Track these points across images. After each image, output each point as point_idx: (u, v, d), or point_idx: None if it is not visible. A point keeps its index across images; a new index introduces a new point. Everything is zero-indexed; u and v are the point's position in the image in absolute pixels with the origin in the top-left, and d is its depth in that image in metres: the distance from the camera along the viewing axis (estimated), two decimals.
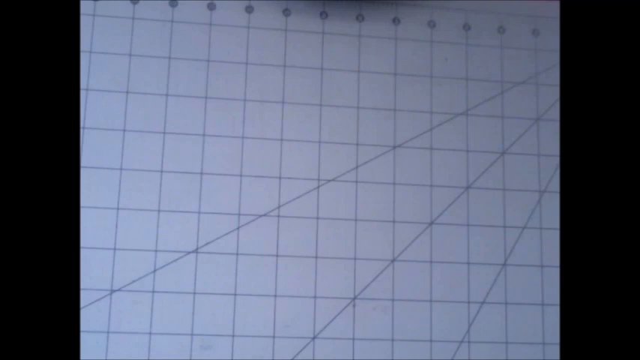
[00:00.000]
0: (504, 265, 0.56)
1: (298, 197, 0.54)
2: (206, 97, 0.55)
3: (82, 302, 0.51)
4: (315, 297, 0.53)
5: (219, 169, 0.54)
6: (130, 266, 0.52)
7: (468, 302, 0.55)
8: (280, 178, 0.55)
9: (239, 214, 0.53)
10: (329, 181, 0.55)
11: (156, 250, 0.52)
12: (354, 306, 0.53)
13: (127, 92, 0.54)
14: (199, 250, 0.53)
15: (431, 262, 0.55)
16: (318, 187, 0.55)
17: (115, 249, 0.52)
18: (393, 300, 0.54)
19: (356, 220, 0.55)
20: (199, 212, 0.53)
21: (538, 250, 0.56)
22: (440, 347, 0.54)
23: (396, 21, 0.58)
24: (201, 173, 0.54)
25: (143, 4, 0.56)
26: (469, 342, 0.54)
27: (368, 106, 0.57)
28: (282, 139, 0.55)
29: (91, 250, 0.52)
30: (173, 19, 0.56)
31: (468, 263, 0.55)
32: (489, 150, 0.57)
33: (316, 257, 0.54)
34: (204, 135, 0.54)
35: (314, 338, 0.53)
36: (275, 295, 0.53)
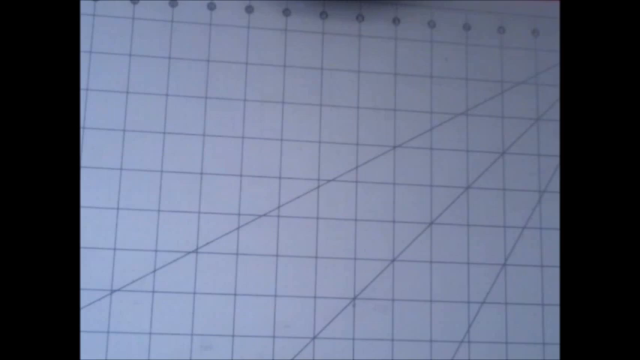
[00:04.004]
0: (504, 265, 0.56)
1: (298, 197, 0.54)
2: (206, 97, 0.55)
3: (82, 302, 0.51)
4: (315, 297, 0.53)
5: (219, 169, 0.54)
6: (130, 266, 0.52)
7: (468, 302, 0.55)
8: (280, 178, 0.55)
9: (239, 214, 0.53)
10: (329, 181, 0.55)
11: (156, 250, 0.52)
12: (354, 306, 0.53)
13: (127, 92, 0.54)
14: (199, 250, 0.53)
15: (431, 262, 0.55)
16: (318, 187, 0.55)
17: (115, 249, 0.52)
18: (393, 300, 0.54)
19: (356, 220, 0.55)
20: (199, 212, 0.53)
21: (538, 250, 0.56)
22: (440, 347, 0.54)
23: (396, 21, 0.58)
24: (201, 173, 0.54)
25: (143, 4, 0.56)
26: (469, 342, 0.54)
27: (368, 106, 0.57)
28: (282, 139, 0.55)
29: (91, 250, 0.52)
30: (173, 19, 0.56)
31: (468, 263, 0.55)
32: (489, 150, 0.57)
33: (316, 257, 0.54)
34: (204, 135, 0.54)
35: (314, 338, 0.53)
36: (275, 295, 0.53)
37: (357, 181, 0.55)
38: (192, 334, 0.51)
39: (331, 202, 0.55)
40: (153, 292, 0.52)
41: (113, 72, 0.54)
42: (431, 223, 0.55)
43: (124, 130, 0.54)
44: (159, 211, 0.53)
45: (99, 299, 0.51)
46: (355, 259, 0.54)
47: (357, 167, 0.56)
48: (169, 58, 0.55)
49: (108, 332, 0.51)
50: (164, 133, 0.54)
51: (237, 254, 0.53)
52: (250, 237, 0.53)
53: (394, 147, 0.56)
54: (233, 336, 0.52)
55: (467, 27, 0.59)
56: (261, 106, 0.55)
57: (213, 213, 0.53)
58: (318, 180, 0.55)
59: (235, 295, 0.52)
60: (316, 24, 0.57)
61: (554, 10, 0.60)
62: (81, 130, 0.53)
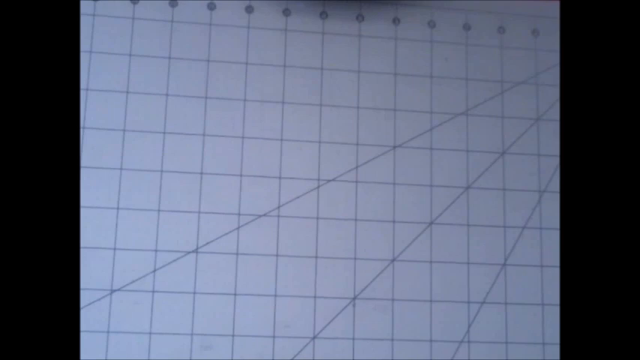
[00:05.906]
0: (504, 265, 0.56)
1: (298, 197, 0.54)
2: (206, 97, 0.55)
3: (82, 302, 0.51)
4: (315, 297, 0.53)
5: (219, 169, 0.54)
6: (130, 266, 0.52)
7: (468, 302, 0.55)
8: (280, 178, 0.55)
9: (239, 214, 0.53)
10: (329, 181, 0.55)
11: (156, 250, 0.52)
12: (354, 306, 0.53)
13: (127, 92, 0.54)
14: (199, 250, 0.53)
15: (431, 262, 0.55)
16: (318, 187, 0.55)
17: (115, 249, 0.52)
18: (392, 300, 0.54)
19: (356, 220, 0.55)
20: (199, 212, 0.53)
21: (538, 250, 0.56)
22: (440, 347, 0.54)
23: (396, 21, 0.58)
24: (201, 173, 0.54)
25: (143, 4, 0.56)
26: (469, 342, 0.54)
27: (368, 106, 0.57)
28: (282, 139, 0.55)
29: (91, 250, 0.52)
30: (173, 19, 0.56)
31: (468, 263, 0.55)
32: (489, 150, 0.57)
33: (316, 257, 0.54)
34: (204, 135, 0.54)
35: (314, 338, 0.53)
36: (275, 295, 0.53)
37: (357, 181, 0.55)
38: (192, 334, 0.51)
39: (331, 202, 0.55)
40: (153, 292, 0.52)
41: (113, 72, 0.54)
42: (431, 223, 0.55)
43: (124, 130, 0.54)
44: (159, 211, 0.53)
45: (99, 299, 0.51)
46: (355, 259, 0.54)
47: (357, 167, 0.56)
48: (169, 58, 0.55)
49: (108, 332, 0.51)
50: (164, 133, 0.54)
51: (237, 254, 0.53)
52: (250, 237, 0.53)
53: (394, 147, 0.56)
54: (233, 336, 0.52)
55: (467, 27, 0.59)
56: (261, 106, 0.55)
57: (213, 213, 0.53)
58: (318, 180, 0.55)
59: (235, 295, 0.52)
60: (316, 24, 0.57)
61: (554, 10, 0.60)
62: (81, 130, 0.53)
